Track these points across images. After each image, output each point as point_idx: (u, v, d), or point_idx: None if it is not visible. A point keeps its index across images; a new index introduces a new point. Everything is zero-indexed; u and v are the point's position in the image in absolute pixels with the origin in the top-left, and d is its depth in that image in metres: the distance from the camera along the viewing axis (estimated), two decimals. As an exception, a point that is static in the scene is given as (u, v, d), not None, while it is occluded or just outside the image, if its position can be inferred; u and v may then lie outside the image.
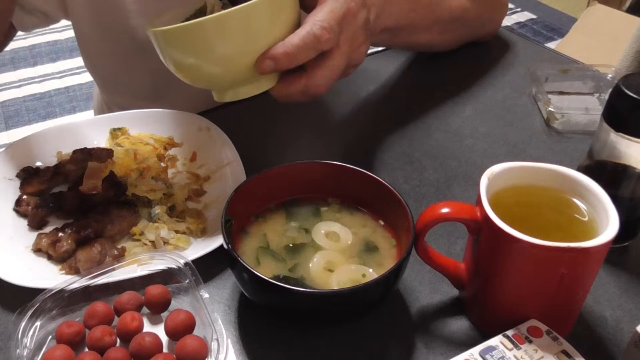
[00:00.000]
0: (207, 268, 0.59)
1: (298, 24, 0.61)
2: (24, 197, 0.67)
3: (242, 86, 0.63)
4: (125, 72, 0.94)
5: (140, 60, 0.90)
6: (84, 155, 0.72)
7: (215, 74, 0.62)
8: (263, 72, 0.60)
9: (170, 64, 0.62)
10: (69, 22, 0.90)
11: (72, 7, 0.86)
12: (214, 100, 0.84)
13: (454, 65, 0.94)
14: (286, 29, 0.60)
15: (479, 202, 0.52)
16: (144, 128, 0.77)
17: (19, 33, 0.91)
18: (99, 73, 1.01)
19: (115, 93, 1.01)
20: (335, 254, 0.58)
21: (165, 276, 0.57)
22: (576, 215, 0.54)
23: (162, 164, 0.73)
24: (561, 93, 0.87)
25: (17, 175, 0.70)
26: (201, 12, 0.68)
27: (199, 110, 0.80)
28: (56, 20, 0.89)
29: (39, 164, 0.72)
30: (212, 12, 0.66)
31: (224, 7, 0.66)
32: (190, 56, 0.59)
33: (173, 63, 0.62)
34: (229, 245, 0.53)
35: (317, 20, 0.60)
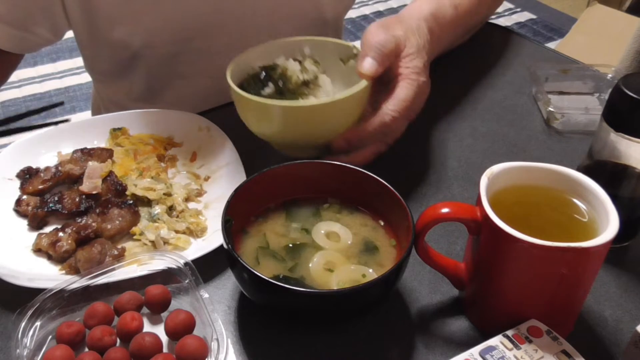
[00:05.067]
0: (207, 268, 0.59)
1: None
2: (24, 197, 0.67)
3: (301, 150, 0.69)
4: (120, 75, 0.95)
5: (134, 65, 0.91)
6: (84, 155, 0.72)
7: (290, 140, 0.68)
8: (336, 150, 0.67)
9: (255, 123, 0.68)
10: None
11: (71, 17, 0.86)
12: (212, 100, 0.84)
13: (454, 65, 0.94)
14: (362, 113, 0.69)
15: (479, 202, 0.52)
16: (144, 128, 0.77)
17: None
18: (96, 74, 1.02)
19: (113, 93, 1.01)
20: (335, 254, 0.58)
21: (165, 276, 0.57)
22: (576, 215, 0.54)
23: (162, 164, 0.73)
24: (561, 93, 0.87)
25: (17, 175, 0.70)
26: (271, 69, 0.72)
27: (198, 110, 0.80)
28: (61, 36, 0.89)
29: (39, 164, 0.72)
30: (290, 78, 0.71)
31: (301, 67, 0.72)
32: (282, 126, 0.64)
33: (258, 124, 0.68)
34: (229, 245, 0.53)
35: (389, 110, 0.67)
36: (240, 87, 0.68)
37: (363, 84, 0.66)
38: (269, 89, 0.70)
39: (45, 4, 0.81)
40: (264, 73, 0.72)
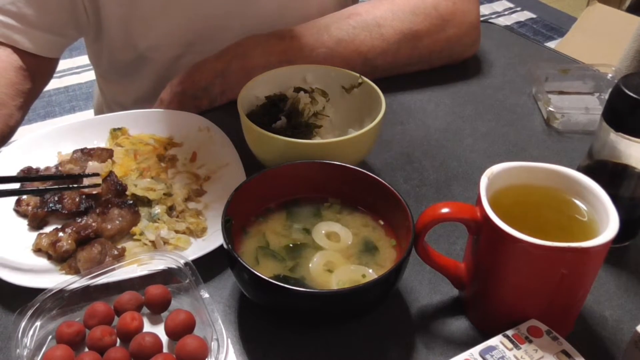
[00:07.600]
0: (207, 268, 0.59)
1: None
2: (24, 197, 0.67)
3: None
4: (125, 76, 0.95)
5: (138, 67, 0.91)
6: (84, 155, 0.72)
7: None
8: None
9: (266, 155, 0.68)
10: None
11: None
12: None
13: (454, 66, 0.94)
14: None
15: (478, 202, 0.52)
16: (144, 128, 0.77)
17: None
18: (102, 74, 1.02)
19: (116, 94, 1.02)
20: (335, 254, 0.58)
21: (165, 276, 0.57)
22: (576, 215, 0.54)
23: (162, 164, 0.73)
24: (561, 93, 0.87)
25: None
26: (280, 100, 0.73)
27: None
28: (83, 33, 0.89)
29: (39, 164, 0.72)
30: (302, 112, 0.72)
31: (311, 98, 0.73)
32: (294, 158, 0.62)
33: (269, 156, 0.68)
34: (229, 245, 0.53)
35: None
36: (250, 116, 0.68)
37: (376, 120, 0.66)
38: (281, 121, 0.71)
39: (71, 5, 0.81)
40: (274, 105, 0.72)
